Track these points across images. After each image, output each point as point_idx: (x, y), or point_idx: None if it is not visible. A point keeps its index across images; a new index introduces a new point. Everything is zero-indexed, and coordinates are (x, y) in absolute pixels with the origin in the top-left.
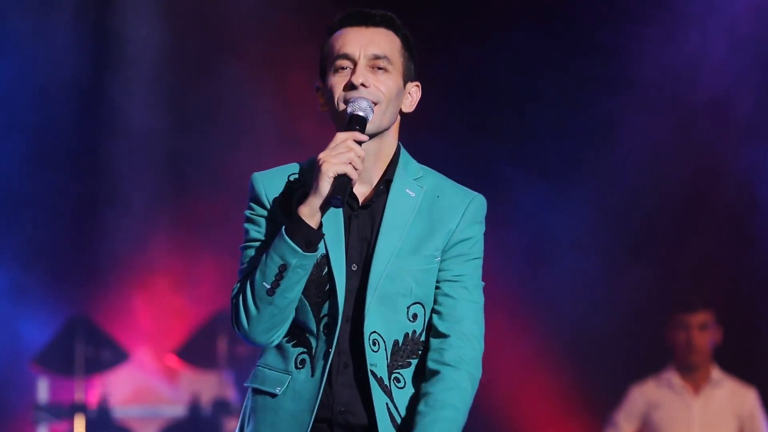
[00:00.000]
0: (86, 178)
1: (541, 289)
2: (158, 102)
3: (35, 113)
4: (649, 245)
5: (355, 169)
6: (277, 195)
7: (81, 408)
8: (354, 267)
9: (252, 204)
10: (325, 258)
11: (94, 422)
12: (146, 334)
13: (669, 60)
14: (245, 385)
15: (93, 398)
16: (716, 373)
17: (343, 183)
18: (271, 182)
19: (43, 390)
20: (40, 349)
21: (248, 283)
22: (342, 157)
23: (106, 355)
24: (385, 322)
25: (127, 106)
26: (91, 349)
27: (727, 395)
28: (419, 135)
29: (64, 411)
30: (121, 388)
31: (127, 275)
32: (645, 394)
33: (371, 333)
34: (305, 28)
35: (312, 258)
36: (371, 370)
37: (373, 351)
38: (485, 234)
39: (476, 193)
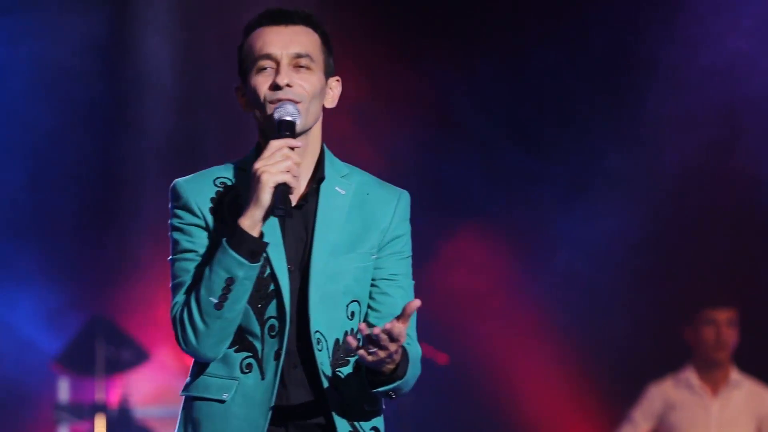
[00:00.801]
0: (106, 180)
1: (558, 287)
2: (176, 106)
3: (53, 116)
4: (669, 244)
5: (294, 176)
6: (205, 201)
7: (102, 408)
8: (291, 267)
9: (179, 212)
10: (266, 260)
11: (114, 422)
12: (167, 334)
13: (708, 65)
14: (181, 394)
15: (114, 398)
16: (735, 374)
17: (284, 192)
18: (197, 188)
19: (64, 390)
20: (61, 349)
21: (192, 299)
22: (280, 166)
23: (127, 355)
24: (326, 321)
25: (144, 110)
26: (111, 349)
27: (746, 396)
28: (448, 142)
29: (85, 411)
30: (141, 388)
31: (147, 275)
32: (663, 394)
33: (315, 332)
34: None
35: (257, 268)
36: (321, 369)
37: (318, 350)
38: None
39: (402, 189)
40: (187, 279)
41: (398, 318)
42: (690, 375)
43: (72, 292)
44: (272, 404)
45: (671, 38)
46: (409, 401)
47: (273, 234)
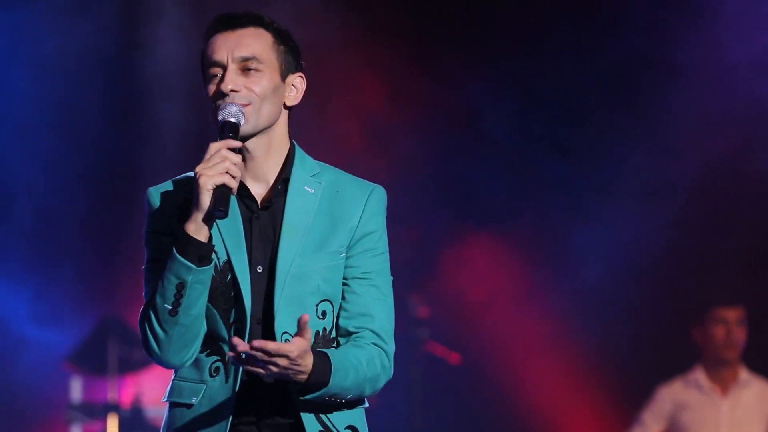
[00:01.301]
0: (118, 180)
1: (570, 290)
2: (189, 105)
3: (65, 116)
4: (678, 245)
5: (233, 177)
6: (172, 209)
7: (114, 408)
8: (260, 269)
9: (148, 220)
10: (228, 263)
11: (127, 422)
12: None
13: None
14: (163, 400)
15: (126, 398)
16: (744, 373)
17: (223, 193)
18: (165, 196)
19: (76, 390)
20: (73, 349)
21: (151, 307)
22: (218, 167)
23: (139, 354)
24: (295, 322)
25: (157, 109)
26: (124, 348)
27: (756, 395)
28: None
29: (98, 411)
30: (154, 387)
31: None
32: (672, 395)
33: (283, 333)
34: (337, 39)
35: (207, 271)
36: None
37: None
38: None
39: (375, 184)
40: (152, 287)
41: (298, 333)
42: (699, 375)
43: (84, 291)
44: (233, 406)
45: (693, 40)
46: (420, 400)
47: (237, 236)
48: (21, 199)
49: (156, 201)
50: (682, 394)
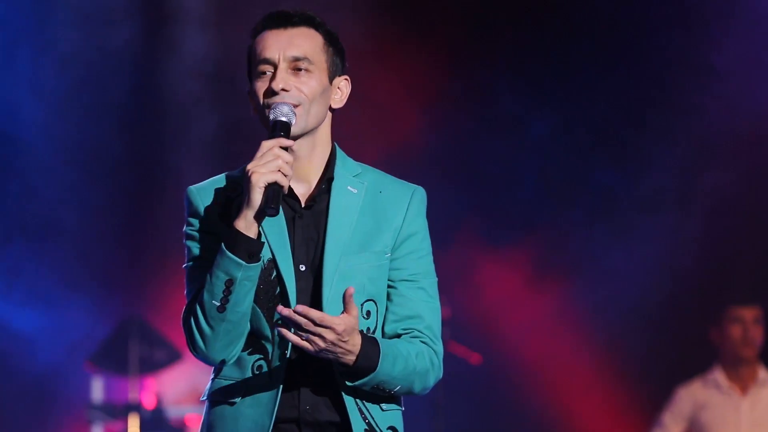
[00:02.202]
0: (143, 180)
1: (590, 289)
2: (212, 106)
3: (87, 116)
4: (696, 247)
5: (285, 175)
6: (215, 207)
7: (135, 407)
8: (302, 268)
9: (190, 219)
10: (272, 262)
11: (148, 422)
12: None
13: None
14: (201, 399)
15: (147, 398)
16: (763, 372)
17: (275, 191)
18: (207, 195)
19: (97, 389)
20: (94, 349)
21: (197, 303)
22: (270, 165)
23: (160, 354)
24: None
25: (178, 111)
26: (145, 348)
27: None
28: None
29: (119, 410)
30: (175, 387)
31: (181, 275)
32: (692, 395)
33: None
34: (357, 35)
35: (256, 268)
36: (335, 367)
37: None
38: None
39: (416, 185)
40: (197, 285)
41: (344, 309)
42: (718, 375)
43: (106, 292)
44: (277, 404)
45: (733, 44)
46: (441, 401)
47: (281, 235)
48: (41, 197)
49: (197, 200)
50: (702, 395)
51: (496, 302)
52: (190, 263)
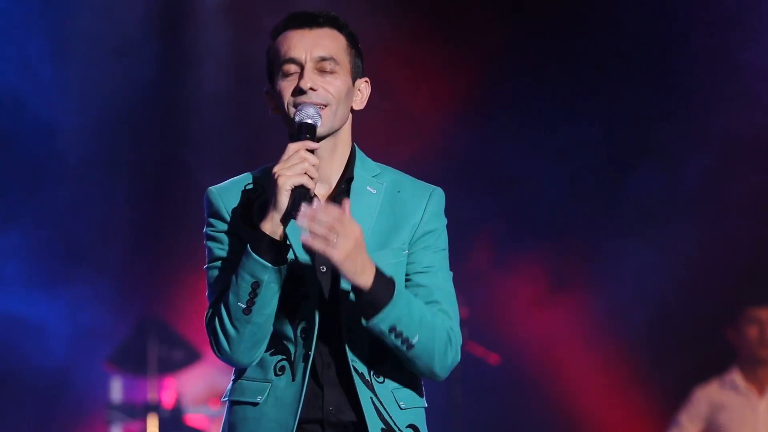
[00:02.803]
0: (163, 180)
1: (608, 291)
2: (234, 110)
3: (108, 118)
4: (712, 246)
5: (311, 178)
6: (236, 208)
7: (154, 407)
8: (323, 269)
9: (211, 220)
10: (294, 263)
11: (167, 422)
12: None
13: None
14: (223, 399)
15: (166, 398)
16: None
17: (301, 194)
18: (228, 195)
19: (116, 390)
20: (113, 349)
21: (222, 305)
22: (296, 168)
23: (179, 354)
24: (360, 319)
25: (200, 112)
26: (164, 348)
27: None
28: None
29: (138, 410)
30: (193, 387)
31: (200, 276)
32: (709, 396)
33: (350, 328)
34: (374, 35)
35: (283, 271)
36: (353, 366)
37: (352, 347)
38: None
39: (435, 186)
40: (219, 287)
41: None
42: (735, 376)
43: (125, 292)
44: (301, 405)
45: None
46: (460, 401)
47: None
48: (62, 198)
49: (218, 201)
50: (719, 396)
51: (516, 303)
52: (212, 264)
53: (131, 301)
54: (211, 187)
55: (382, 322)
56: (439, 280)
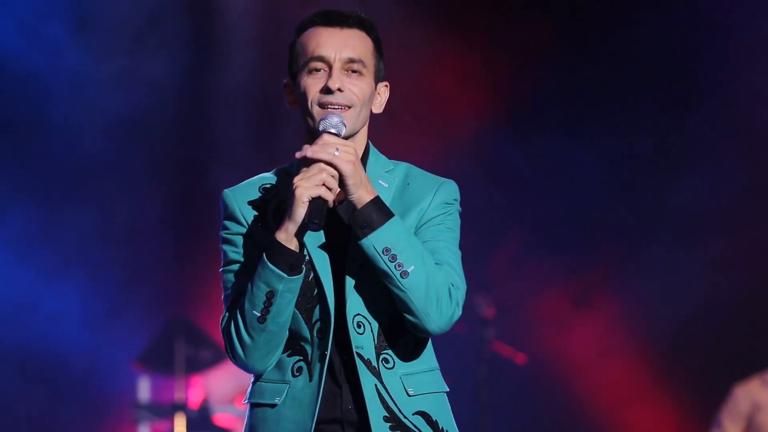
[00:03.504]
0: (190, 181)
1: (639, 289)
2: (258, 112)
3: (139, 119)
4: (751, 244)
5: (329, 189)
6: (251, 210)
7: (181, 407)
8: (336, 264)
9: (226, 223)
10: (309, 263)
11: (194, 421)
12: None
13: None
14: (244, 402)
15: (193, 397)
16: None
17: (318, 206)
18: (243, 197)
19: (144, 389)
20: (141, 349)
21: (237, 312)
22: (314, 179)
23: (206, 354)
24: (368, 304)
25: (226, 113)
26: (191, 348)
27: None
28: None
29: (165, 410)
30: (221, 387)
31: None
32: (750, 395)
33: (355, 316)
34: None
35: (298, 280)
36: (357, 353)
37: (358, 333)
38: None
39: (446, 179)
40: (235, 292)
41: None
42: None
43: (152, 293)
44: (318, 405)
45: None
46: (487, 400)
47: (317, 236)
48: (91, 200)
49: (233, 203)
50: (760, 394)
51: (543, 303)
52: (227, 267)
53: (159, 301)
54: (225, 190)
55: (377, 240)
56: (445, 248)
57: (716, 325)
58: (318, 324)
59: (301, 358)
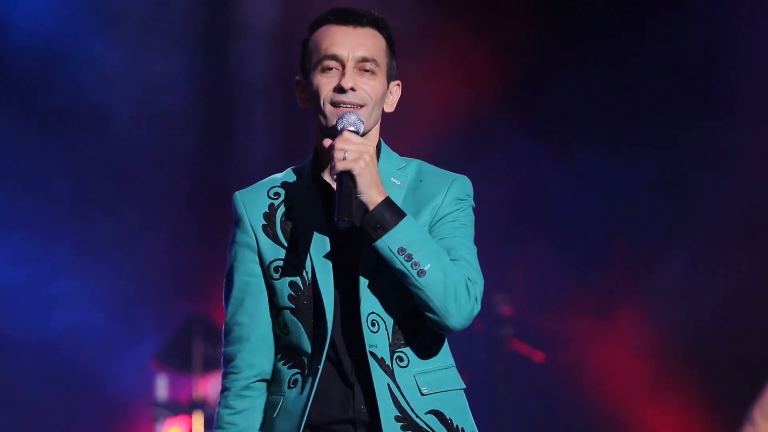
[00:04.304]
0: (208, 179)
1: (658, 287)
2: (279, 107)
3: (156, 122)
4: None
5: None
6: (258, 216)
7: (199, 405)
8: (345, 265)
9: (234, 229)
10: (312, 278)
11: (212, 419)
12: None
13: None
14: None
15: (211, 395)
16: None
17: (348, 189)
18: (251, 202)
19: (162, 387)
20: (159, 347)
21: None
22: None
23: None
24: (383, 302)
25: (244, 110)
26: (209, 346)
27: None
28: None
29: (183, 408)
30: None
31: None
32: None
33: (369, 314)
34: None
35: None
36: (370, 352)
37: (372, 332)
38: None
39: (459, 174)
40: (230, 302)
41: None
42: None
43: (170, 291)
44: (305, 418)
45: None
46: (505, 398)
47: (323, 249)
48: (109, 199)
49: (241, 208)
50: None
51: (560, 301)
52: (227, 273)
53: (177, 299)
54: (236, 193)
55: (391, 241)
56: (461, 244)
57: (735, 327)
58: (319, 339)
59: (299, 371)
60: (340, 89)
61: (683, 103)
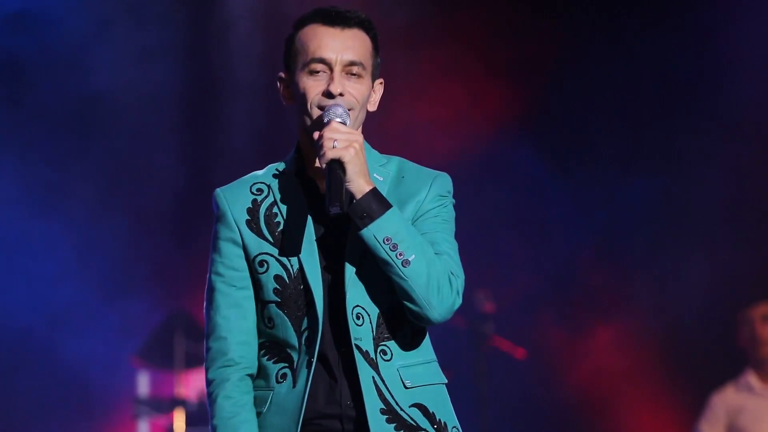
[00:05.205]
0: (189, 173)
1: (639, 288)
2: (256, 108)
3: (141, 115)
4: (715, 248)
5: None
6: (241, 212)
7: (181, 402)
8: (330, 260)
9: (218, 226)
10: (300, 271)
11: (194, 416)
12: None
13: None
14: None
15: (193, 392)
16: None
17: (338, 179)
18: (233, 198)
19: (143, 384)
20: (140, 344)
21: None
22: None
23: None
24: (368, 295)
25: (233, 104)
26: (191, 343)
27: None
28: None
29: (165, 405)
30: None
31: None
32: (726, 401)
33: (354, 307)
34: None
35: None
36: (356, 344)
37: (357, 325)
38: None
39: (440, 172)
40: (212, 304)
41: None
42: (750, 378)
43: (152, 287)
44: (303, 412)
45: None
46: (486, 395)
47: (308, 243)
48: (93, 194)
49: (224, 205)
50: (736, 399)
51: (541, 298)
52: (210, 269)
53: (159, 296)
54: (217, 189)
55: (377, 230)
56: (443, 239)
57: (718, 324)
58: (306, 332)
59: (287, 365)
60: (328, 94)
61: (665, 103)
